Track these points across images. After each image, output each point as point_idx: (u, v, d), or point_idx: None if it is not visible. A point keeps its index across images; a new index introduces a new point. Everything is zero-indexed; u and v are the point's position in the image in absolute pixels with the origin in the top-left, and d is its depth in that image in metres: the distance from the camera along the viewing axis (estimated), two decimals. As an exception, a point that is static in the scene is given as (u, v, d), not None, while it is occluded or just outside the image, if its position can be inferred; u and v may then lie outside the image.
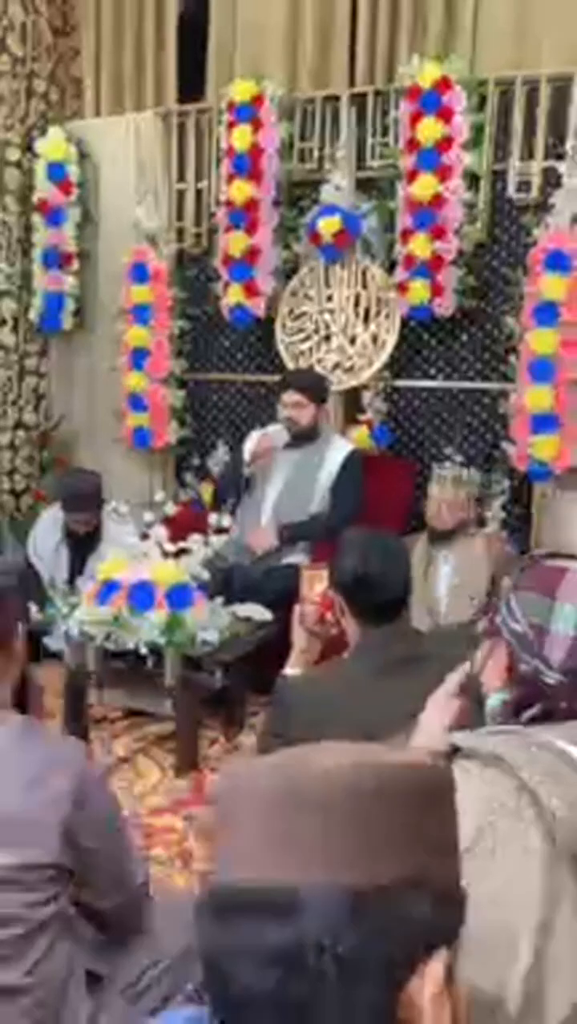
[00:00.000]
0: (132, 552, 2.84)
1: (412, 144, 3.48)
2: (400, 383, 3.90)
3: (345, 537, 1.77)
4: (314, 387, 3.38)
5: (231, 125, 3.82)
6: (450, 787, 0.59)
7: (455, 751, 0.93)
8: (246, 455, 3.36)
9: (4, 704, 1.19)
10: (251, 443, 3.39)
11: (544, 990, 0.78)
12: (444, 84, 3.40)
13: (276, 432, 3.32)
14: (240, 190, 3.79)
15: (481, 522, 3.57)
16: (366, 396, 3.88)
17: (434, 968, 0.52)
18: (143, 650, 2.59)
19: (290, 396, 3.32)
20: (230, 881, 0.54)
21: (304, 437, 3.31)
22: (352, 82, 3.92)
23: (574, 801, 0.83)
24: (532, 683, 0.96)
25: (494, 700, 1.02)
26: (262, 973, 0.50)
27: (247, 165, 3.78)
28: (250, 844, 0.54)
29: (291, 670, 1.88)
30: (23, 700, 1.23)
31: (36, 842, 1.08)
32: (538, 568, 1.02)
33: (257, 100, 3.76)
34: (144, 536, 2.96)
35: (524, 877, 0.80)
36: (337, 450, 3.36)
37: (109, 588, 2.69)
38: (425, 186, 3.45)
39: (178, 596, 2.65)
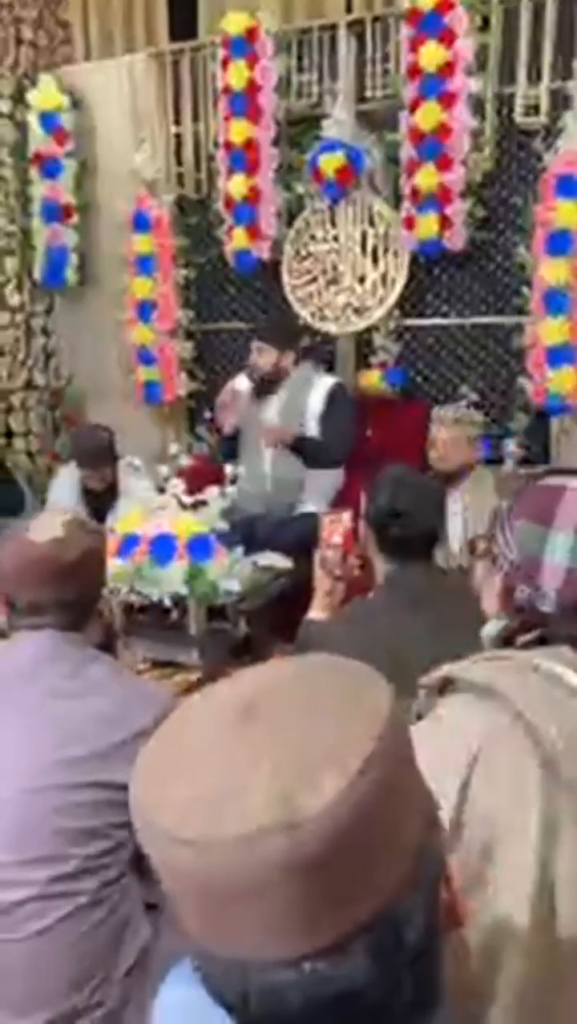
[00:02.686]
0: (149, 506, 2.85)
1: (414, 71, 3.36)
2: (411, 322, 3.83)
3: (380, 474, 1.79)
4: (273, 332, 3.33)
5: (225, 62, 3.70)
6: (382, 795, 0.49)
7: (448, 682, 0.92)
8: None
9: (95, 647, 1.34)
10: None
11: (557, 911, 0.79)
12: (446, 5, 3.26)
13: (237, 381, 3.28)
14: (238, 130, 3.69)
15: (497, 460, 3.54)
16: (377, 338, 3.82)
17: None
18: (167, 602, 2.61)
19: (255, 344, 3.29)
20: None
21: (269, 382, 3.25)
22: (349, 9, 3.78)
23: (573, 730, 0.82)
24: (528, 611, 0.95)
25: (491, 627, 1.01)
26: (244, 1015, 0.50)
27: (244, 103, 3.67)
28: (197, 921, 0.52)
29: (315, 614, 1.90)
30: (109, 646, 1.40)
31: (127, 764, 1.13)
32: (535, 490, 1.00)
33: (251, 33, 3.63)
34: (160, 490, 2.96)
35: (522, 805, 0.79)
36: (318, 388, 3.31)
37: (130, 542, 2.70)
38: (429, 115, 3.34)
39: (199, 547, 2.66)
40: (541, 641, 0.95)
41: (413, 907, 0.50)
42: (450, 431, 3.14)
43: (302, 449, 3.18)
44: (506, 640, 0.99)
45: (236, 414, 3.23)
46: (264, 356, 3.24)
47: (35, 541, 1.27)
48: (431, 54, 3.30)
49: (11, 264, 4.30)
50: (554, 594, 0.93)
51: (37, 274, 4.31)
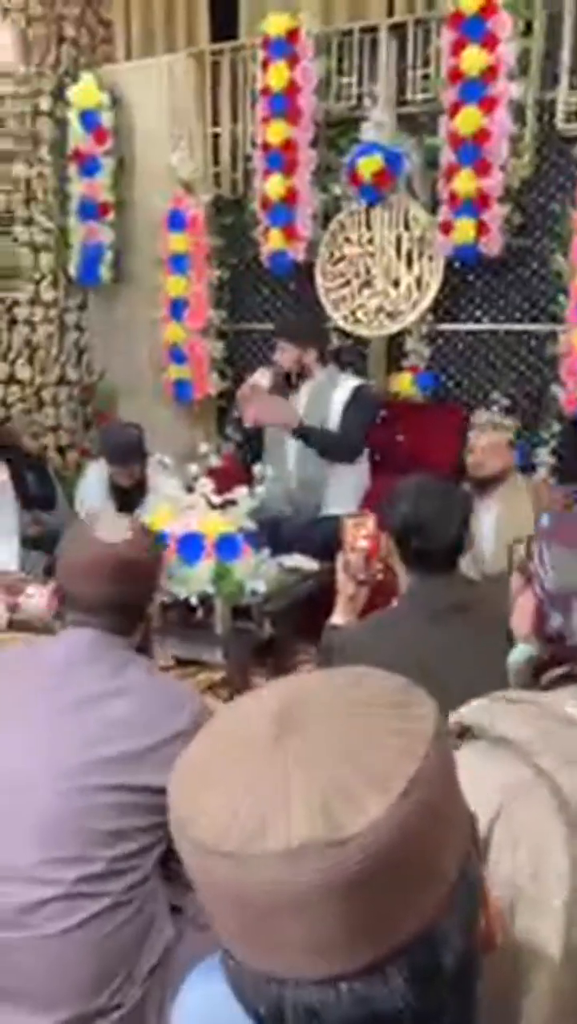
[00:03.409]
0: (178, 504, 2.86)
1: (455, 75, 3.34)
2: (444, 327, 3.81)
3: (399, 483, 1.75)
4: (293, 330, 3.33)
5: (266, 63, 3.70)
6: (424, 815, 0.49)
7: (465, 730, 0.86)
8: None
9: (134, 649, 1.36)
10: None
11: None
12: (489, 8, 3.23)
13: (259, 375, 3.28)
14: (277, 131, 3.69)
15: (529, 468, 3.51)
16: (409, 341, 3.81)
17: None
18: (193, 601, 2.62)
19: (277, 341, 3.30)
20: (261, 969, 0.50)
21: (292, 380, 3.26)
22: (391, 11, 3.77)
23: None
24: (558, 643, 0.91)
25: (518, 655, 0.96)
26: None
27: (284, 104, 3.67)
28: (235, 931, 0.50)
29: (338, 619, 1.89)
30: (146, 648, 1.41)
31: (160, 768, 1.16)
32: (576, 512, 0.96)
33: (292, 35, 3.63)
34: (189, 488, 2.97)
35: (546, 870, 0.74)
36: (342, 388, 3.30)
37: (158, 539, 2.71)
38: (469, 120, 3.32)
39: (226, 547, 2.67)
40: (571, 677, 0.90)
41: (452, 929, 0.49)
42: (489, 437, 3.12)
43: (308, 438, 3.16)
44: (535, 671, 0.94)
45: (258, 407, 3.23)
46: (285, 354, 3.25)
47: (106, 540, 1.28)
48: (473, 58, 3.28)
49: (46, 260, 4.33)
50: None
51: (72, 271, 4.35)
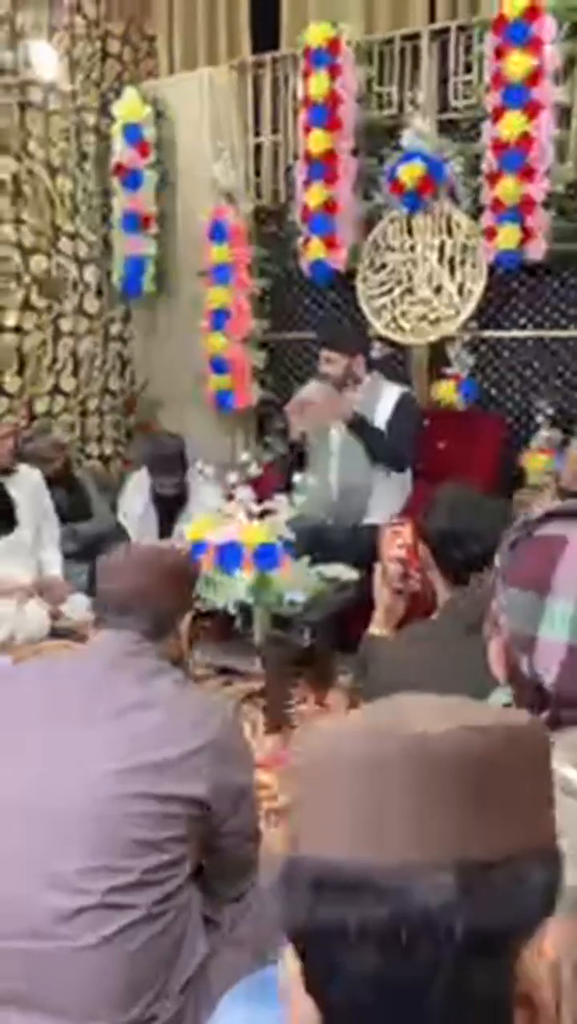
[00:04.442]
0: (218, 513, 2.86)
1: (498, 80, 3.31)
2: (488, 334, 3.76)
3: (436, 492, 1.72)
4: (340, 340, 3.31)
5: (307, 73, 3.71)
6: (547, 745, 0.55)
7: None
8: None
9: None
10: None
11: None
12: (533, 12, 3.20)
13: (308, 390, 3.25)
14: (318, 140, 3.69)
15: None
16: (452, 349, 3.77)
17: (551, 932, 0.49)
18: (232, 610, 2.62)
19: (323, 352, 3.26)
20: (324, 856, 0.50)
21: (343, 389, 3.22)
22: (432, 18, 3.75)
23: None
24: (530, 686, 0.83)
25: (496, 697, 0.90)
26: (363, 956, 0.47)
27: (324, 114, 3.68)
28: (345, 814, 0.50)
29: (376, 629, 1.86)
30: (180, 661, 1.43)
31: (188, 777, 1.18)
32: (531, 546, 0.85)
33: (333, 44, 3.63)
34: (229, 497, 2.98)
35: None
36: (387, 397, 3.27)
37: (197, 549, 2.71)
38: (512, 124, 3.28)
39: (265, 556, 2.66)
40: (556, 723, 0.82)
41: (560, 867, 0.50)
42: None
43: (362, 432, 3.13)
44: None
45: (307, 422, 3.22)
46: (334, 364, 3.23)
47: (142, 545, 1.34)
48: (517, 62, 3.24)
49: (90, 273, 4.40)
50: (555, 674, 0.80)
51: (115, 282, 4.40)
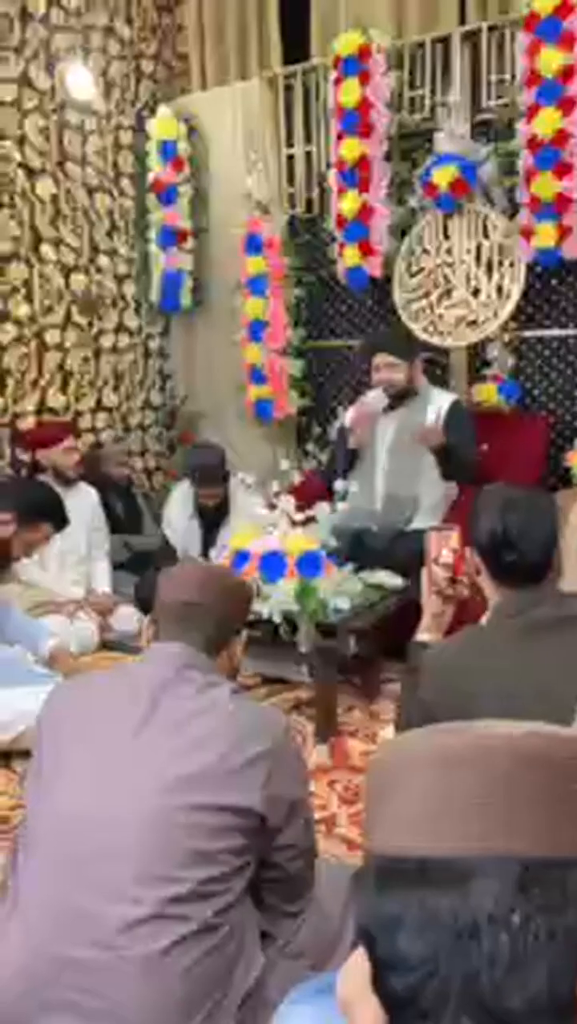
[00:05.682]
0: (261, 522, 2.87)
1: (532, 78, 3.28)
2: (528, 334, 3.72)
3: (481, 492, 1.67)
4: (403, 345, 3.29)
5: (338, 81, 3.72)
6: None
7: None
8: (348, 424, 3.32)
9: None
10: (351, 412, 3.34)
11: None
12: (565, 8, 3.16)
13: (374, 398, 3.23)
14: (350, 148, 3.69)
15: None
16: (492, 350, 3.73)
17: None
18: (277, 619, 2.61)
19: (382, 359, 3.23)
20: (392, 849, 0.51)
21: (403, 396, 3.23)
22: (463, 19, 3.73)
23: None
24: None
25: None
26: (428, 948, 0.48)
27: (356, 121, 3.68)
28: (414, 808, 0.51)
29: (424, 636, 1.83)
30: (233, 674, 1.47)
31: (245, 789, 1.19)
32: None
33: (364, 52, 3.64)
34: (271, 506, 2.98)
35: None
36: (436, 403, 3.24)
37: (241, 558, 2.72)
38: (547, 122, 3.24)
39: (309, 564, 2.65)
40: None
41: None
42: None
43: (450, 456, 3.10)
44: None
45: (367, 431, 3.21)
46: (396, 370, 3.20)
47: (203, 562, 1.38)
48: (550, 59, 3.21)
49: (129, 289, 4.46)
50: None
51: (154, 298, 4.45)
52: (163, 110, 4.29)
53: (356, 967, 0.52)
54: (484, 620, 1.67)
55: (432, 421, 3.16)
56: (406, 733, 0.59)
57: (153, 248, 4.39)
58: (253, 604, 2.63)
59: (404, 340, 3.40)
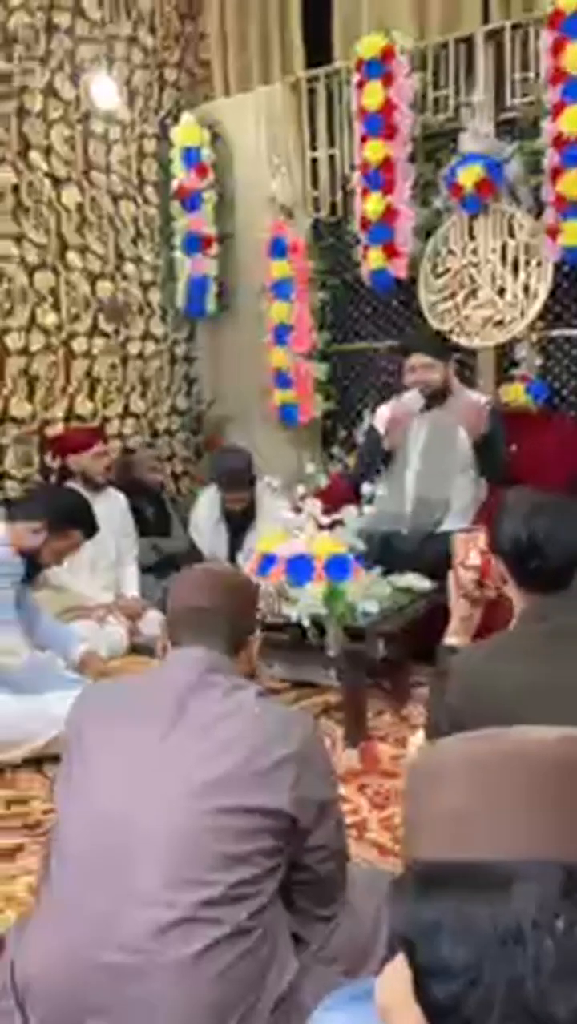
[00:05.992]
0: (287, 526, 2.87)
1: (556, 75, 3.25)
2: (556, 333, 3.68)
3: (505, 497, 1.66)
4: (438, 345, 3.28)
5: (361, 84, 3.72)
6: None
7: None
8: (379, 426, 3.30)
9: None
10: (386, 413, 3.32)
11: None
12: (589, 4, 3.13)
13: (411, 399, 3.22)
14: (374, 150, 3.69)
15: None
16: (519, 350, 3.70)
17: None
18: (305, 622, 2.61)
19: (418, 359, 3.21)
20: (436, 856, 0.51)
21: (438, 397, 3.21)
22: (486, 19, 3.71)
23: None
24: None
25: None
26: (471, 955, 0.47)
27: (380, 123, 3.67)
28: (453, 815, 0.51)
29: (452, 639, 1.82)
30: (252, 675, 1.47)
31: (274, 790, 1.19)
32: None
33: (387, 54, 3.63)
34: (297, 510, 2.98)
35: None
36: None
37: (267, 562, 2.73)
38: (572, 119, 3.22)
39: (336, 567, 2.65)
40: None
41: None
42: None
43: (491, 445, 3.10)
44: None
45: (401, 433, 3.21)
46: (433, 371, 3.19)
47: (213, 566, 1.40)
48: (574, 56, 3.18)
49: (155, 296, 4.48)
50: None
51: (179, 304, 4.48)
52: (186, 117, 4.31)
53: (396, 974, 0.51)
54: (513, 626, 1.66)
55: (481, 404, 3.15)
56: (441, 740, 0.58)
57: (178, 254, 4.42)
58: (280, 608, 2.64)
59: (438, 340, 3.38)
